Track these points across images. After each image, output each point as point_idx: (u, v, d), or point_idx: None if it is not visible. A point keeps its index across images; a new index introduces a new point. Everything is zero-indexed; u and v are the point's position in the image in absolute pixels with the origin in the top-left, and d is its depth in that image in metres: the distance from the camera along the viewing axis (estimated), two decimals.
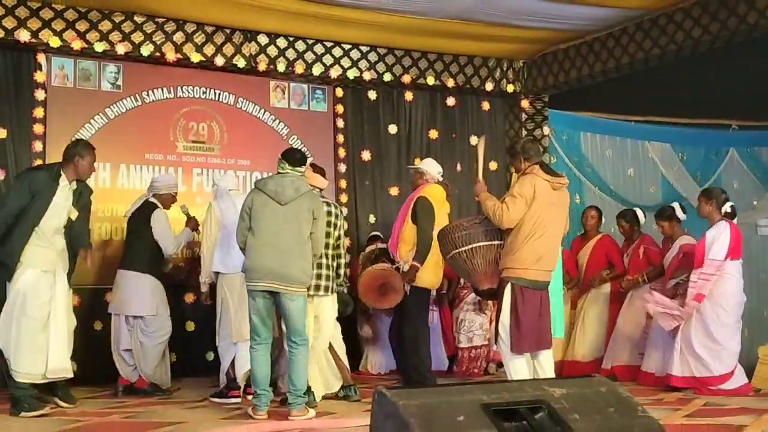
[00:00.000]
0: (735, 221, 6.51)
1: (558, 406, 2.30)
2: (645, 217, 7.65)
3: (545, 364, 5.24)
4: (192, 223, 6.59)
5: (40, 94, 7.18)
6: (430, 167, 6.56)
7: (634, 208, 7.80)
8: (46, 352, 5.49)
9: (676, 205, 7.22)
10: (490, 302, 7.22)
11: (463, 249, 5.31)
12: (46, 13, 7.00)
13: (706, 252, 6.27)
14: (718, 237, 6.30)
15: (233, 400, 5.93)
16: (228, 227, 5.98)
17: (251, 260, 5.30)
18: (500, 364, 7.44)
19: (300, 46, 7.99)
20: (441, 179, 6.55)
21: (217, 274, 6.12)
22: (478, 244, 5.28)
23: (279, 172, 5.43)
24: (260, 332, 5.40)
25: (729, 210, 6.46)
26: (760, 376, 7.18)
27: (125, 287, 6.31)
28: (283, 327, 5.59)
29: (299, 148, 7.23)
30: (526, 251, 5.06)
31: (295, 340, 5.42)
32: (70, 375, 5.69)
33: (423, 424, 2.13)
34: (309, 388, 5.89)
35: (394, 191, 8.49)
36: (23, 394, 5.40)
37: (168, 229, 6.35)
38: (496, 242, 5.26)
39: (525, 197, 5.05)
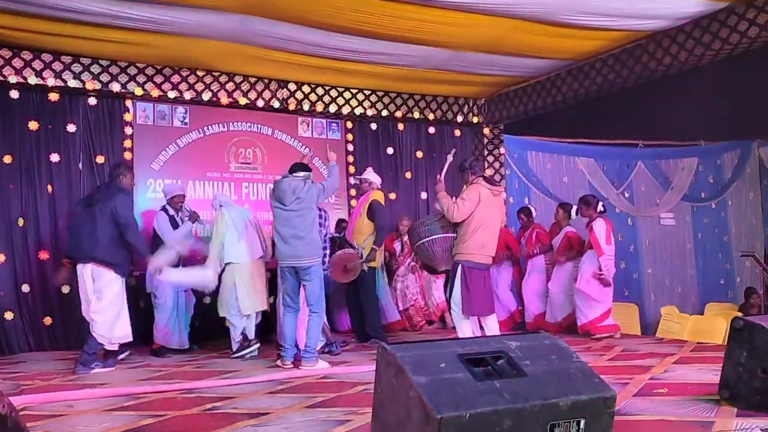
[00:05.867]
0: (605, 215, 6.69)
1: (514, 355, 2.30)
2: (535, 211, 7.87)
3: (492, 326, 5.28)
4: (193, 217, 6.33)
5: (128, 130, 7.19)
6: (375, 178, 6.65)
7: (528, 206, 8.05)
8: None
9: (573, 208, 7.25)
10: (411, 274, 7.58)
11: (426, 240, 5.33)
12: (132, 70, 7.01)
13: (601, 243, 6.37)
14: (602, 231, 6.42)
15: (251, 350, 5.86)
16: (237, 228, 5.89)
17: (278, 249, 5.29)
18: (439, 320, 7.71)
19: (320, 91, 7.99)
20: (380, 186, 6.63)
21: (227, 263, 5.90)
22: (437, 236, 5.30)
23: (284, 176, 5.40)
24: (288, 302, 5.37)
25: (602, 209, 6.64)
26: (663, 328, 7.20)
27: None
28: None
29: (317, 165, 7.38)
30: (473, 241, 5.13)
31: (310, 309, 5.34)
32: None
33: (414, 369, 2.13)
34: (332, 343, 5.90)
35: (392, 196, 8.48)
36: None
37: (167, 228, 6.13)
38: (450, 234, 5.28)
39: (472, 201, 5.13)
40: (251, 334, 6.02)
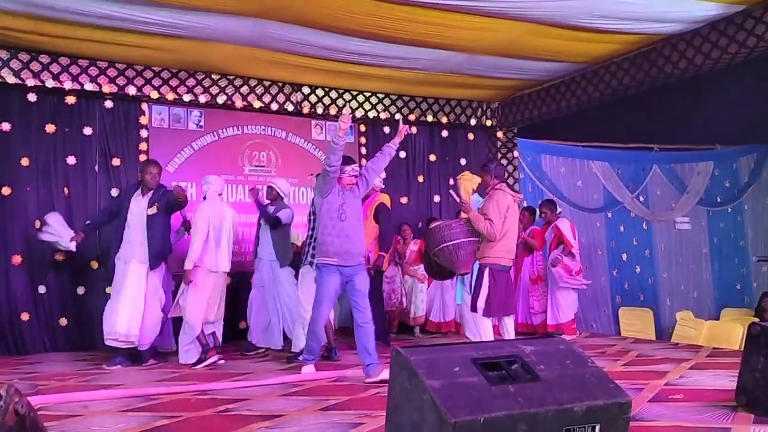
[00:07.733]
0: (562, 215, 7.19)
1: (528, 360, 2.29)
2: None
3: (509, 327, 5.33)
4: (185, 225, 6.24)
5: (144, 133, 7.24)
6: (379, 181, 6.59)
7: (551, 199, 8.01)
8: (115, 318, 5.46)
9: (537, 212, 7.52)
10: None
11: (451, 243, 5.30)
12: (148, 74, 7.06)
13: (569, 240, 6.84)
14: (568, 229, 6.90)
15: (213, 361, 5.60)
16: (216, 230, 5.66)
17: None
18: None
19: (333, 94, 8.00)
20: (383, 188, 6.63)
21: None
22: (463, 240, 5.30)
23: None
24: None
25: (559, 211, 7.16)
26: (678, 334, 7.15)
27: None
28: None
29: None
30: (501, 245, 5.24)
31: None
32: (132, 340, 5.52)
33: (428, 374, 2.12)
34: (332, 348, 5.85)
35: (404, 200, 8.48)
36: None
37: None
38: (475, 239, 5.31)
39: (501, 213, 5.23)
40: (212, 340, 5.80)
